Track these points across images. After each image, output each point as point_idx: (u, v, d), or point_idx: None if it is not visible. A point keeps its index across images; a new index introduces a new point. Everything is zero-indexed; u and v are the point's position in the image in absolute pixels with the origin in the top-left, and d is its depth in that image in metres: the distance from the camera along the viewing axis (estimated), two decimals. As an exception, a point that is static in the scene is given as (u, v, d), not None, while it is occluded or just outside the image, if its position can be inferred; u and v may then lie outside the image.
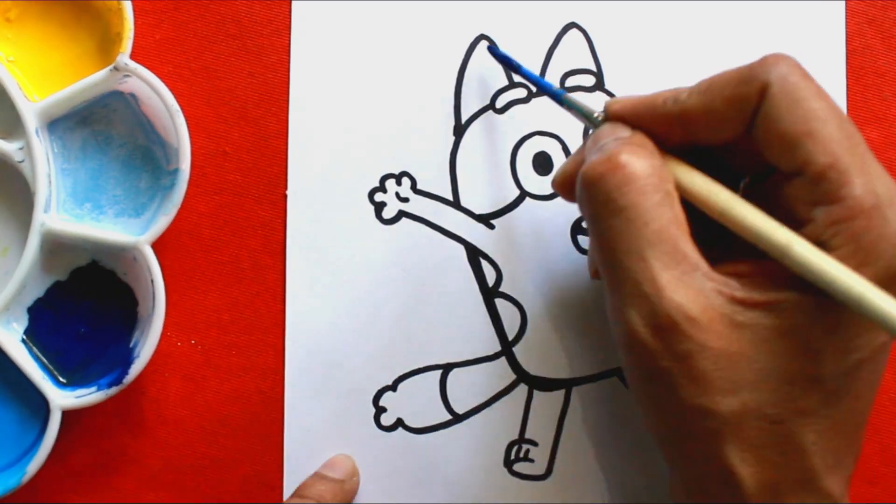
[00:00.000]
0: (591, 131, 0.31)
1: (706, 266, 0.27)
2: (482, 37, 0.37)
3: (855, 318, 0.27)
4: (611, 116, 0.30)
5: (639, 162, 0.28)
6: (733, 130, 0.28)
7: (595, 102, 0.33)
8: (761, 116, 0.27)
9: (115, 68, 0.34)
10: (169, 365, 0.36)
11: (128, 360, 0.34)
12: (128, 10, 0.34)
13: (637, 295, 0.27)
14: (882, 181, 0.27)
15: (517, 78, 0.37)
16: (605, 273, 0.29)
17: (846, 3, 0.37)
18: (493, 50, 0.36)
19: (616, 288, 0.28)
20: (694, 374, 0.27)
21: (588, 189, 0.28)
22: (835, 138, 0.27)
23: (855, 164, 0.27)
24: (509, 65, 0.36)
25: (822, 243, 0.27)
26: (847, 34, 0.37)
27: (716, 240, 0.29)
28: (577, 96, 0.32)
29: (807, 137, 0.27)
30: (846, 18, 0.37)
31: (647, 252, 0.27)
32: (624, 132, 0.29)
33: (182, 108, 0.34)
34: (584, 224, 0.36)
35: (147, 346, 0.34)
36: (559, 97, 0.33)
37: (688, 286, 0.27)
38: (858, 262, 0.26)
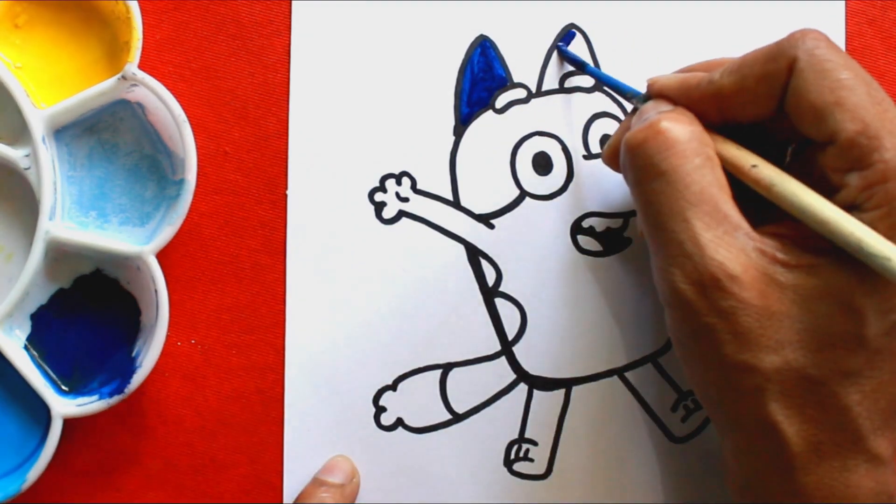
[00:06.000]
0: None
1: (748, 226, 0.28)
2: (482, 37, 0.37)
3: None
4: (653, 94, 0.31)
5: (678, 128, 0.29)
6: (765, 107, 0.29)
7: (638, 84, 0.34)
8: (791, 90, 0.28)
9: (123, 77, 0.34)
10: (169, 365, 0.36)
11: (130, 370, 0.34)
12: (136, 18, 0.34)
13: (680, 255, 0.28)
14: None
15: (517, 78, 0.37)
16: (650, 236, 0.30)
17: (846, 4, 0.37)
18: (562, 50, 0.37)
19: (660, 249, 0.29)
20: (737, 330, 0.28)
21: (631, 154, 0.30)
22: (863, 105, 0.27)
23: (885, 128, 0.27)
24: (576, 63, 0.36)
25: (855, 207, 0.27)
26: (847, 34, 0.37)
27: (758, 202, 0.29)
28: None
29: (835, 106, 0.27)
30: (846, 18, 0.37)
31: (689, 213, 0.28)
32: (666, 107, 0.31)
33: (182, 108, 0.34)
34: (584, 224, 0.36)
35: (150, 355, 0.34)
36: (622, 89, 0.34)
37: (729, 245, 0.28)
38: (893, 223, 0.27)
